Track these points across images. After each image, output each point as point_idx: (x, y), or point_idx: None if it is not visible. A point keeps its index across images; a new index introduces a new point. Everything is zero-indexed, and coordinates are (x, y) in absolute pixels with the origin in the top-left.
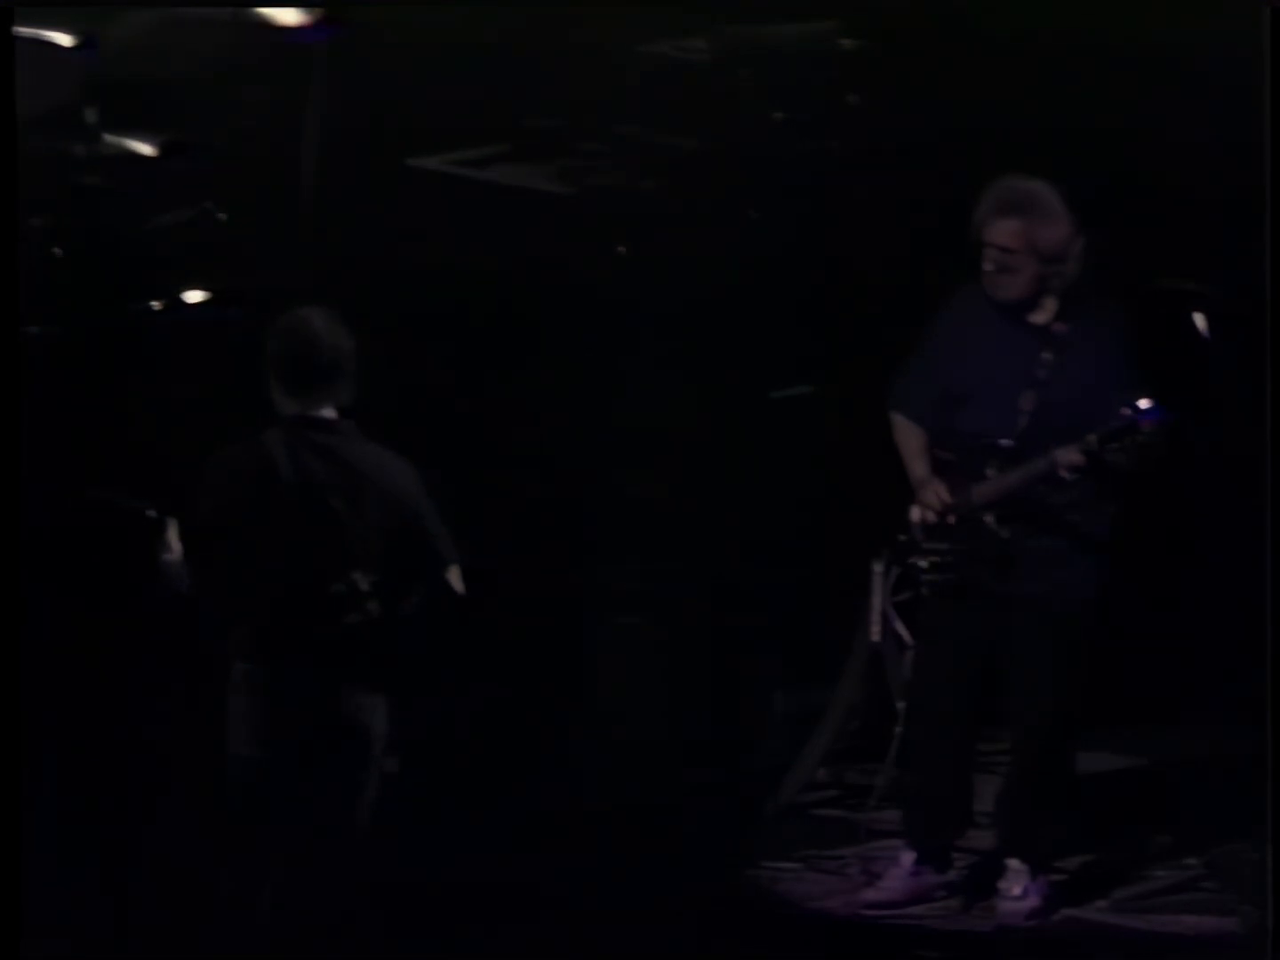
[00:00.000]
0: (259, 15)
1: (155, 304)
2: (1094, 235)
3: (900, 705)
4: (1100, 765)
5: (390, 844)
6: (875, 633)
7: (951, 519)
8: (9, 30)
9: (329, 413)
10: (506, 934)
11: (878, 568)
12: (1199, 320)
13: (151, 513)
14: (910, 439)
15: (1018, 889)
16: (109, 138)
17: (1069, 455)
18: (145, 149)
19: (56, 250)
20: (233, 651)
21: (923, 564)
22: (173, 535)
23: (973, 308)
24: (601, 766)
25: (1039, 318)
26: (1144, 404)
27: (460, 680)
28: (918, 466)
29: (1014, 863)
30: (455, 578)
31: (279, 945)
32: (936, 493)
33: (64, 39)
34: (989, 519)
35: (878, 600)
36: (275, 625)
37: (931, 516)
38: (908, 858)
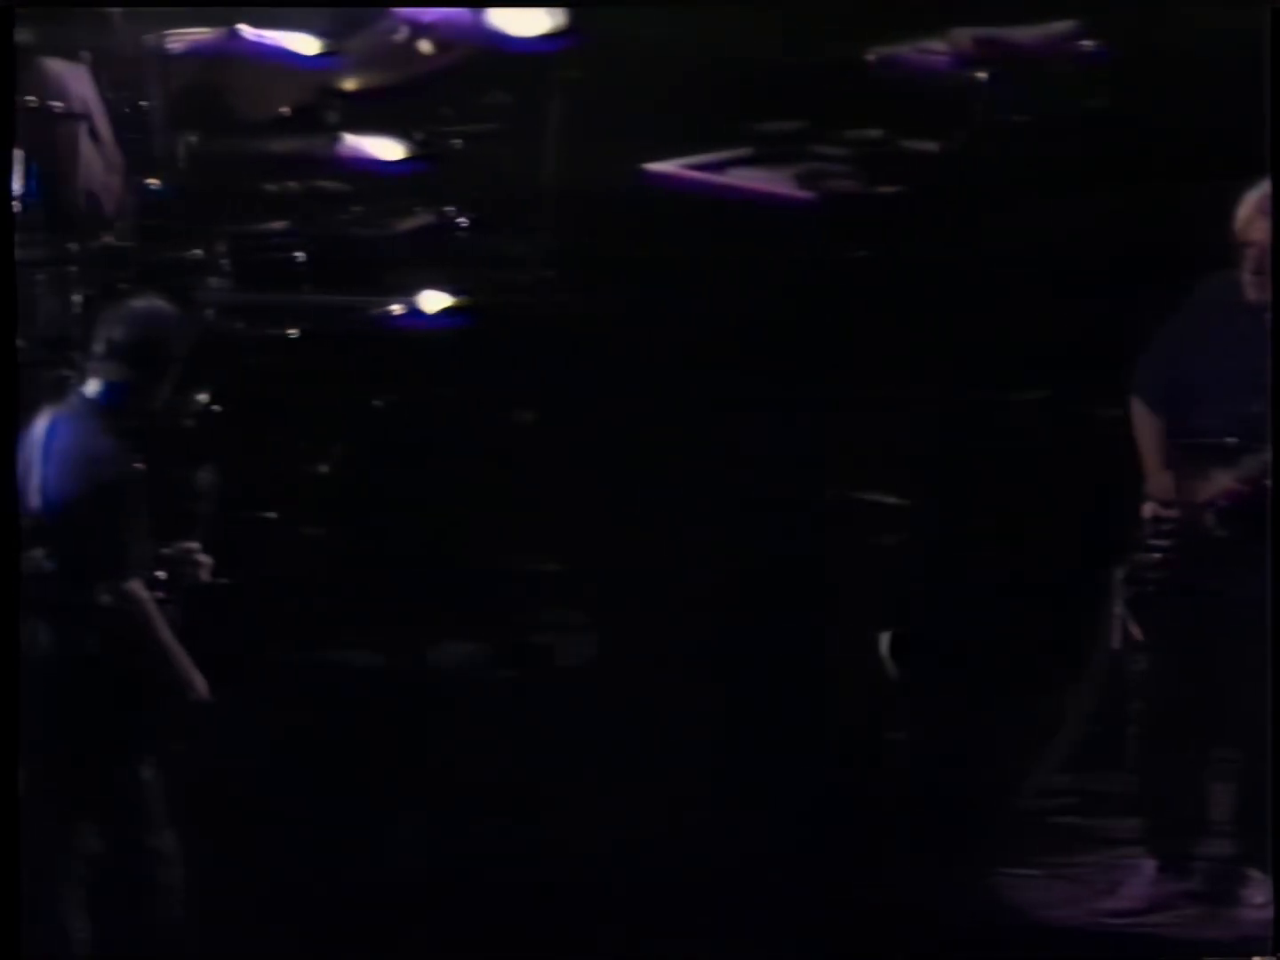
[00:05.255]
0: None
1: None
2: None
3: (1134, 709)
4: None
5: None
6: (1116, 639)
7: (1177, 515)
8: (10, 32)
9: (96, 393)
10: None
11: (1119, 574)
12: None
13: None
14: (1146, 427)
15: (1260, 897)
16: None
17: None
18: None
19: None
20: None
21: (1149, 561)
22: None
23: (1217, 300)
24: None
25: None
26: None
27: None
28: (1151, 458)
29: (1255, 872)
30: (134, 588)
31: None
32: (1164, 486)
33: (307, 46)
34: (1209, 518)
35: (1119, 608)
36: None
37: (1159, 510)
38: (1148, 865)
